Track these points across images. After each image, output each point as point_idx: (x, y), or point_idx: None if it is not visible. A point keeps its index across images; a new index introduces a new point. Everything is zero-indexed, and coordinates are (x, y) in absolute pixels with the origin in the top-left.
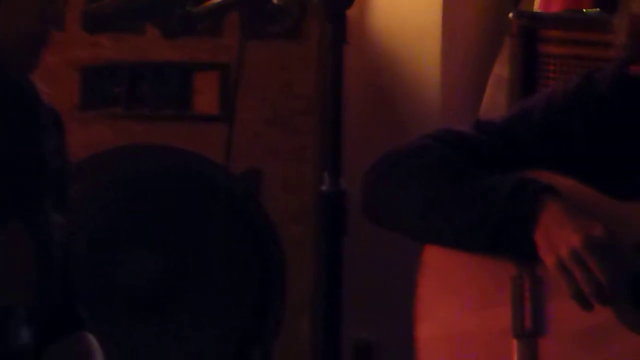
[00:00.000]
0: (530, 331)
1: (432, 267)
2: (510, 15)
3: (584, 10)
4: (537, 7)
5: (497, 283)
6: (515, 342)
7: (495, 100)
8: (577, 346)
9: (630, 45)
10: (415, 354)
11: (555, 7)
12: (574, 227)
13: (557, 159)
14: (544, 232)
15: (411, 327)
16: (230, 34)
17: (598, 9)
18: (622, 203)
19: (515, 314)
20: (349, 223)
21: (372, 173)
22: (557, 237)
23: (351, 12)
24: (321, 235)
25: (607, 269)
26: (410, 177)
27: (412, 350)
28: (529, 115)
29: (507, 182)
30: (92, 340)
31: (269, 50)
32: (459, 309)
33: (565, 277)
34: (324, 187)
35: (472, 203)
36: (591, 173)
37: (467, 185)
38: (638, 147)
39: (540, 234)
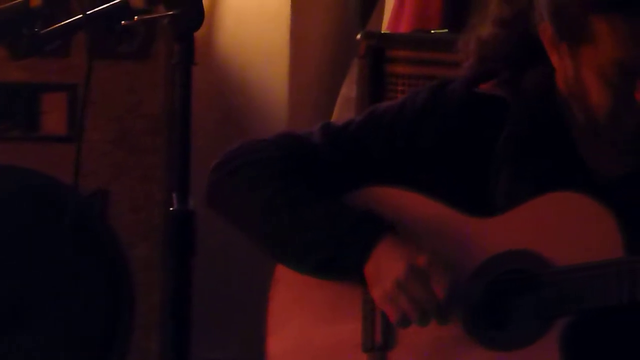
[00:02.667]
0: (380, 345)
1: (285, 282)
2: (358, 36)
3: (432, 30)
4: (385, 27)
5: (348, 298)
6: (365, 357)
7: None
8: (426, 358)
9: (477, 67)
10: None
11: (403, 28)
12: (399, 259)
13: (406, 171)
14: (374, 267)
15: (262, 345)
16: (78, 55)
17: (446, 30)
18: (473, 219)
19: (366, 328)
20: (198, 243)
21: (219, 171)
22: (384, 271)
23: (199, 33)
24: (169, 255)
25: (429, 294)
26: (253, 188)
27: None
28: (378, 126)
29: (351, 214)
30: None
31: (116, 71)
32: (310, 324)
33: (389, 308)
34: (172, 207)
35: (310, 225)
36: (445, 188)
37: (307, 207)
38: (486, 164)
39: (369, 268)
